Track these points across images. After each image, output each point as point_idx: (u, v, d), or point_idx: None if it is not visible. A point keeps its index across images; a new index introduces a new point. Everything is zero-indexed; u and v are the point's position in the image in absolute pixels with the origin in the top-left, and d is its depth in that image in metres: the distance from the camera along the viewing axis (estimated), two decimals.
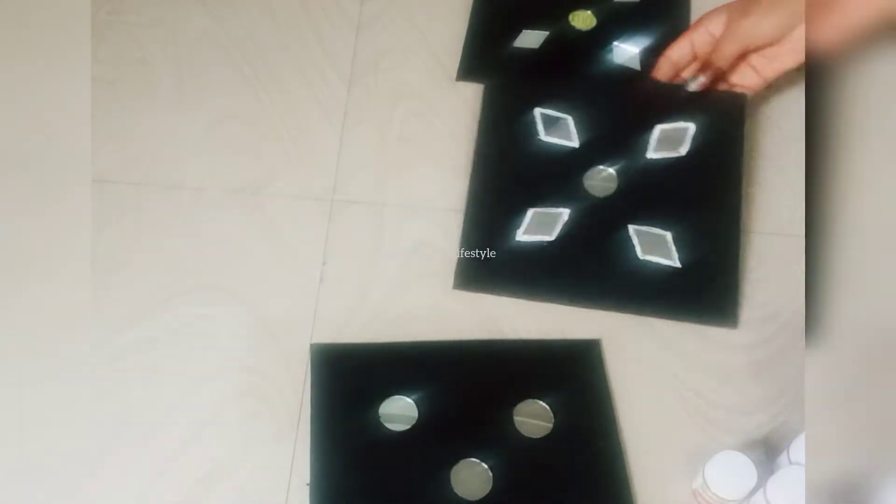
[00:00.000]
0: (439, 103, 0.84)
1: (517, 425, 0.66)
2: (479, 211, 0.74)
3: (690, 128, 0.74)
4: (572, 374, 0.69)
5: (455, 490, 0.63)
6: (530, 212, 0.72)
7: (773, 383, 0.69)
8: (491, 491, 0.63)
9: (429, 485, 0.63)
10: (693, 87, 0.76)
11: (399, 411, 0.66)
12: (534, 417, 0.67)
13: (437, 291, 0.73)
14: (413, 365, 0.69)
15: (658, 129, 0.75)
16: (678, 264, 0.70)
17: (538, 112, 0.77)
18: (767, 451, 0.65)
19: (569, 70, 0.85)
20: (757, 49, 0.77)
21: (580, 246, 0.71)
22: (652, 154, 0.74)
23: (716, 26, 0.77)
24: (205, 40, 0.89)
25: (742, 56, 0.77)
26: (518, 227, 0.73)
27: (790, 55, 0.76)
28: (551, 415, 0.67)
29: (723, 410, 0.68)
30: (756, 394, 0.69)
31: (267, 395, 0.68)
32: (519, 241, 0.72)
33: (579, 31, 0.88)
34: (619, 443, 0.66)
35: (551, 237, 0.71)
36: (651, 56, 0.82)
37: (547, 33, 0.87)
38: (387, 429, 0.66)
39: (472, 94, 0.84)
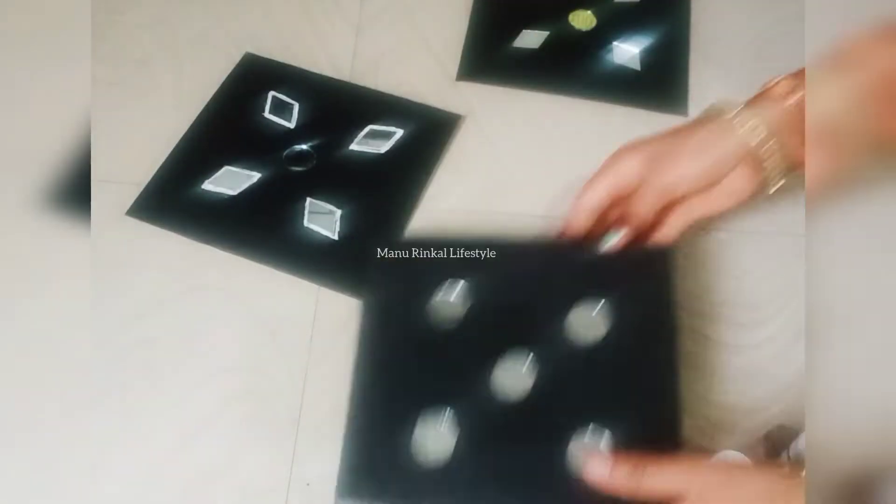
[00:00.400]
0: (441, 103, 0.84)
1: (569, 328, 0.65)
2: (182, 153, 0.81)
3: (397, 133, 0.82)
4: (636, 279, 0.67)
5: (495, 389, 0.63)
6: (224, 168, 0.79)
7: (773, 383, 0.69)
8: (532, 392, 0.62)
9: (470, 381, 0.63)
10: (610, 245, 0.68)
11: (449, 305, 0.67)
12: (588, 321, 0.65)
13: None
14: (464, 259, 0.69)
15: (368, 128, 0.82)
16: (335, 237, 0.76)
17: (270, 94, 0.84)
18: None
19: (568, 70, 0.86)
20: (683, 198, 0.68)
21: (260, 205, 0.78)
22: (355, 146, 0.81)
23: (630, 168, 0.67)
24: (205, 40, 0.89)
25: (669, 206, 0.68)
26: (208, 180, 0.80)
27: (720, 200, 0.68)
28: (607, 320, 0.65)
29: (723, 410, 0.68)
30: (756, 394, 0.69)
31: (267, 395, 0.68)
32: (204, 189, 0.78)
33: (579, 31, 0.88)
34: (676, 358, 0.64)
35: (234, 192, 0.78)
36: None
37: (547, 33, 0.87)
38: (435, 324, 0.66)
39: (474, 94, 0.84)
